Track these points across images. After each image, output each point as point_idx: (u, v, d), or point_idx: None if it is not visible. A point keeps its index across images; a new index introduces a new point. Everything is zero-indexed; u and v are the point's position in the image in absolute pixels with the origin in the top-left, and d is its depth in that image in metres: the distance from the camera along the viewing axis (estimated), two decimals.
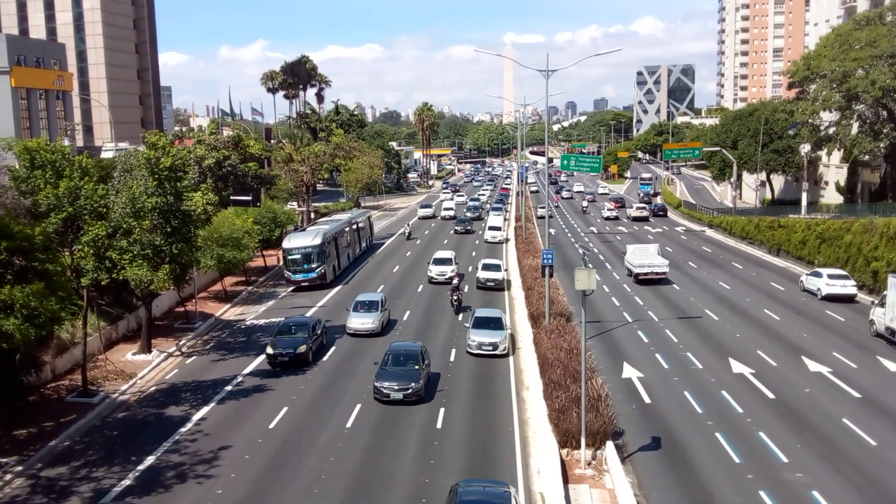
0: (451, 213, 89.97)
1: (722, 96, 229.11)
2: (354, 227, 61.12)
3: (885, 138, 63.52)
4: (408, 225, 75.82)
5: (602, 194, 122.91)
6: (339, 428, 25.44)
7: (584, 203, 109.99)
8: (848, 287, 44.05)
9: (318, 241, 49.06)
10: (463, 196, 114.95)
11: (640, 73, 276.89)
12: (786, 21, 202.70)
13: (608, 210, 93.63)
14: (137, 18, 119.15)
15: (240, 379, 30.86)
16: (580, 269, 22.66)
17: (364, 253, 63.18)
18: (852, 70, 62.75)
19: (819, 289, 44.94)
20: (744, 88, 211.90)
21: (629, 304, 44.17)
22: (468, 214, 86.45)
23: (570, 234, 77.84)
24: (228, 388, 29.81)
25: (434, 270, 49.91)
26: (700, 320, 40.01)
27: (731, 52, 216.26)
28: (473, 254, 62.64)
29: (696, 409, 27.11)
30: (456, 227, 77.34)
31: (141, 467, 22.55)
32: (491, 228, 70.27)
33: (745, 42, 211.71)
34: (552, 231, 45.72)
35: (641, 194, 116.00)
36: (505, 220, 78.39)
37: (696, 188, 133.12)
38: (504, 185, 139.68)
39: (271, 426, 25.66)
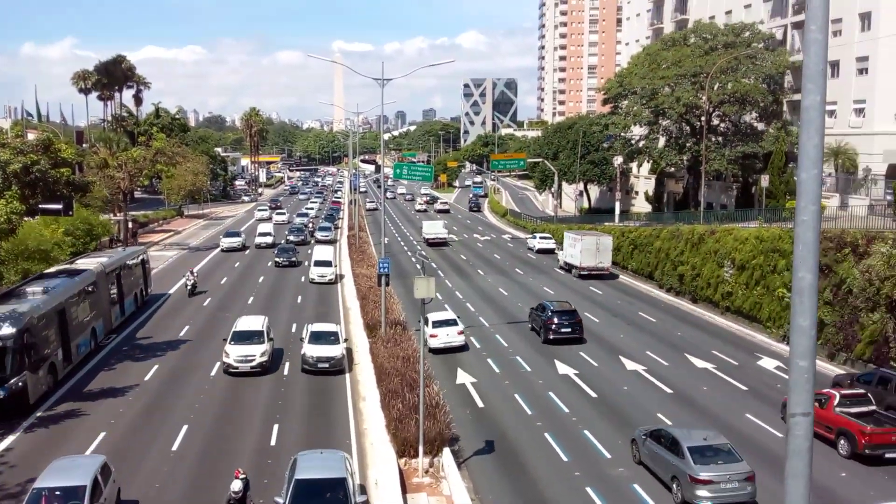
0: (269, 239, 70.90)
1: (542, 110, 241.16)
2: (111, 282, 39.70)
3: (688, 151, 69.44)
4: (191, 273, 49.99)
5: (429, 201, 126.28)
6: (165, 451, 24.04)
7: (418, 207, 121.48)
8: (551, 242, 68.83)
9: (10, 330, 26.99)
10: (284, 214, 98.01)
11: (466, 86, 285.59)
12: (599, 40, 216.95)
13: (418, 203, 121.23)
14: None
15: (52, 401, 28.37)
16: (419, 278, 22.89)
17: (126, 322, 41.64)
18: (660, 87, 68.12)
19: (533, 246, 70.10)
20: (562, 102, 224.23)
21: (462, 310, 45.18)
22: (291, 239, 72.14)
23: (403, 243, 78.61)
24: (39, 413, 27.33)
25: (233, 355, 31.64)
26: (527, 325, 41.66)
27: (551, 67, 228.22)
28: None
29: (526, 410, 28.19)
30: (276, 259, 60.64)
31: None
32: (318, 264, 54.33)
33: (563, 59, 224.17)
34: (386, 240, 45.54)
35: (472, 196, 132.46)
36: (336, 244, 70.65)
37: (520, 197, 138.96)
38: (335, 199, 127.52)
39: (88, 452, 23.78)
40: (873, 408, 24.43)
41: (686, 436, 21.33)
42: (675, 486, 20.60)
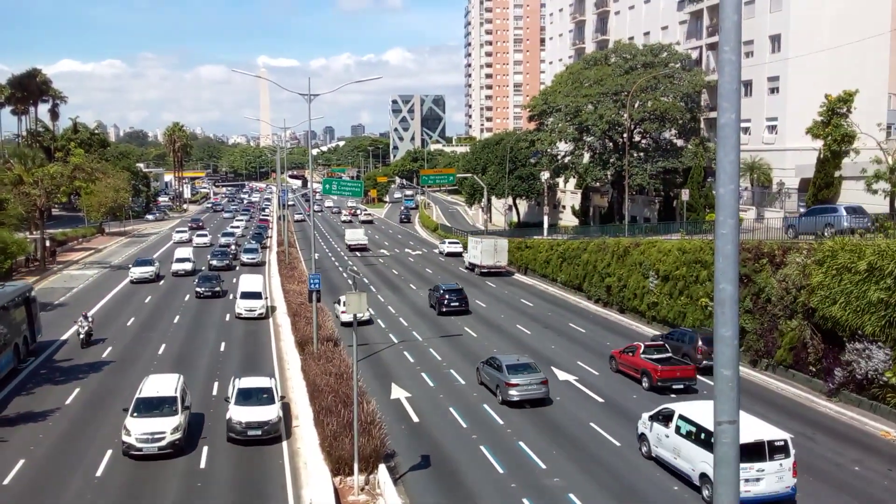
0: (188, 266, 62.45)
1: (470, 126, 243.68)
2: None
3: (612, 167, 71.19)
4: (84, 318, 39.79)
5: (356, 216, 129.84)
6: (88, 478, 23.11)
7: (343, 218, 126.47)
8: (458, 247, 77.98)
9: None
10: (206, 236, 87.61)
11: (395, 102, 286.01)
12: (524, 58, 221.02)
13: (344, 215, 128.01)
14: None
15: None
16: (351, 294, 22.77)
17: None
18: (583, 105, 69.75)
19: (441, 250, 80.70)
20: (489, 119, 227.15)
21: (394, 325, 45.08)
22: (215, 264, 65.19)
23: (333, 258, 77.97)
24: None
25: (135, 431, 24.35)
26: (461, 338, 41.85)
27: (478, 84, 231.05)
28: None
29: (461, 424, 28.24)
30: (197, 290, 52.74)
31: None
32: (246, 296, 46.56)
33: (489, 76, 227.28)
34: (317, 255, 44.97)
35: (404, 209, 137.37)
36: (264, 267, 67.04)
37: (450, 212, 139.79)
38: (262, 216, 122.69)
39: (6, 482, 22.68)
40: (668, 355, 33.11)
41: (506, 359, 31.44)
42: (497, 391, 30.54)
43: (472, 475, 23.76)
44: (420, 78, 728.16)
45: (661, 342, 34.86)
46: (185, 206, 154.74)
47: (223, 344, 40.48)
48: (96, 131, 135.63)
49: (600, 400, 31.01)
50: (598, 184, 79.35)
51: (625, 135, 67.11)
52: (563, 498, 21.98)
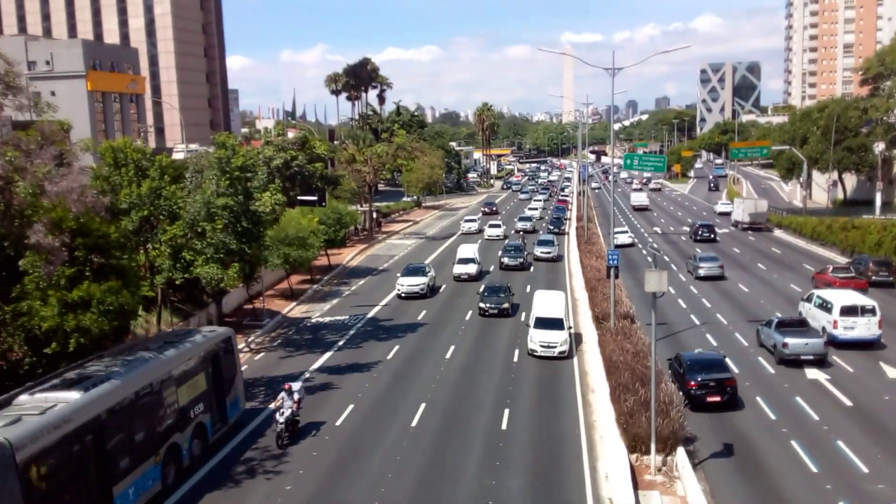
0: (473, 268, 50.96)
1: (789, 94, 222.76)
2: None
3: None
4: (288, 393, 24.48)
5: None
6: (405, 427, 25.60)
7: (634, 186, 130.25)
8: (626, 237, 67.47)
9: None
10: (500, 227, 73.18)
11: (703, 71, 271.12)
12: (857, 16, 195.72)
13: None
14: (206, 23, 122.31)
15: (307, 375, 31.32)
16: (650, 271, 22.33)
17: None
18: None
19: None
20: (812, 85, 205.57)
21: (696, 306, 43.25)
22: (507, 262, 54.57)
23: (633, 235, 76.70)
24: None
25: None
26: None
27: (799, 48, 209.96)
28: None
29: (769, 415, 26.38)
30: (481, 305, 40.89)
31: (212, 462, 23.07)
32: (542, 323, 33.66)
33: (813, 38, 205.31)
34: (616, 230, 45.09)
35: (713, 177, 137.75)
36: (562, 262, 57.80)
37: (763, 188, 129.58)
38: (561, 197, 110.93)
39: (338, 423, 25.97)
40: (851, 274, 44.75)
41: (779, 321, 33.39)
42: (774, 350, 32.27)
43: (779, 470, 22.14)
44: (731, 44, 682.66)
45: (847, 265, 47.16)
46: (491, 181, 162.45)
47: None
48: (416, 113, 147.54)
49: None
50: None
51: None
52: None
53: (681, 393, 24.77)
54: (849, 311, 33.23)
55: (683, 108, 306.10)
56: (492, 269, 55.34)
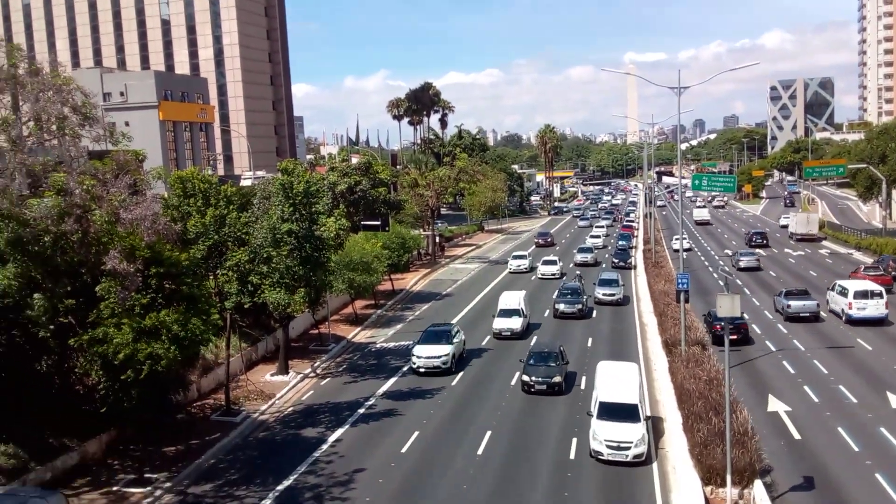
0: (517, 323, 41.34)
1: (865, 110, 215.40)
2: None
3: None
4: None
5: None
6: (471, 454, 25.22)
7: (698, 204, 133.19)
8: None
9: None
10: (555, 263, 62.86)
11: (773, 88, 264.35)
12: None
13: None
14: (272, 52, 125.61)
15: (372, 402, 31.29)
16: (723, 296, 21.61)
17: None
18: None
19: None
20: (889, 101, 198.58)
21: (771, 332, 41.69)
22: (562, 309, 45.86)
23: (702, 257, 74.82)
24: (361, 410, 30.27)
25: None
26: (852, 350, 37.19)
27: (874, 62, 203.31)
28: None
29: (851, 446, 25.11)
30: (524, 378, 31.89)
31: (280, 487, 23.13)
32: (609, 411, 25.10)
33: (888, 52, 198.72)
34: (685, 254, 43.10)
35: (787, 194, 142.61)
36: (628, 305, 49.17)
37: (839, 208, 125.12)
38: (626, 223, 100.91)
39: (403, 450, 25.78)
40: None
41: (787, 291, 46.38)
42: (782, 311, 44.72)
43: None
44: (801, 60, 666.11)
45: (875, 264, 55.62)
46: (554, 204, 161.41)
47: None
48: (477, 137, 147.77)
49: None
50: None
51: None
52: None
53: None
54: (861, 294, 42.23)
55: (753, 127, 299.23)
56: (545, 314, 47.10)
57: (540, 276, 61.95)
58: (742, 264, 63.97)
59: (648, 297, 48.69)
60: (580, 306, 46.08)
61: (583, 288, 49.16)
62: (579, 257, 69.68)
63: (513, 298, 43.58)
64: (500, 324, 41.58)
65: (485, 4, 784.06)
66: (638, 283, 56.92)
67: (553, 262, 63.23)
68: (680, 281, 34.89)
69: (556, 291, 49.50)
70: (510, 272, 65.24)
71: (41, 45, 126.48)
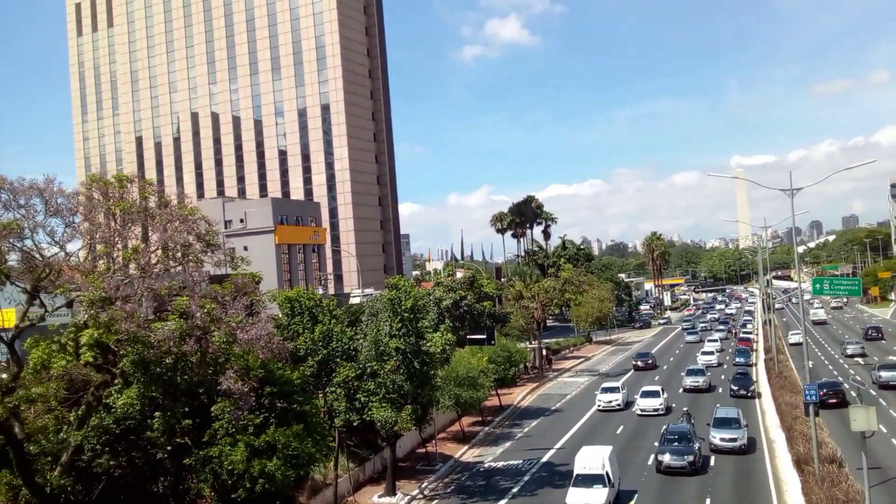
0: (600, 498, 30.03)
1: None
2: None
3: None
4: None
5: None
6: None
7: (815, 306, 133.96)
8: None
9: None
10: (657, 395, 51.09)
11: (893, 185, 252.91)
12: None
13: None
14: (380, 175, 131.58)
15: None
16: (856, 408, 20.11)
17: None
18: None
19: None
20: None
21: None
22: (667, 461, 35.71)
23: (829, 365, 70.18)
24: None
25: None
26: None
27: None
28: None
29: None
30: None
31: None
32: None
33: None
34: (810, 363, 39.54)
35: None
36: (754, 453, 38.34)
37: None
38: (743, 335, 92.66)
39: None
40: None
41: (881, 364, 54.81)
42: (876, 381, 51.78)
43: None
44: None
45: None
46: (666, 312, 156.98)
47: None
48: (581, 247, 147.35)
49: None
50: None
51: None
52: None
53: None
54: None
55: (875, 226, 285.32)
56: (648, 464, 37.39)
57: (639, 411, 50.11)
58: (883, 379, 53.46)
59: (774, 409, 45.74)
60: (691, 458, 35.56)
61: (693, 430, 38.62)
62: (689, 381, 58.04)
63: (594, 458, 32.09)
64: (574, 498, 30.44)
65: (585, 117, 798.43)
66: (765, 407, 49.70)
67: (656, 395, 51.00)
68: (808, 392, 32.68)
69: (660, 437, 38.69)
70: (599, 410, 52.61)
71: (170, 179, 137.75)
